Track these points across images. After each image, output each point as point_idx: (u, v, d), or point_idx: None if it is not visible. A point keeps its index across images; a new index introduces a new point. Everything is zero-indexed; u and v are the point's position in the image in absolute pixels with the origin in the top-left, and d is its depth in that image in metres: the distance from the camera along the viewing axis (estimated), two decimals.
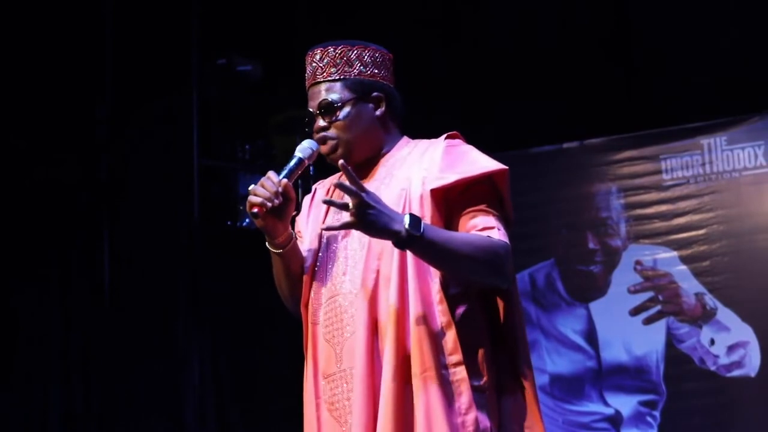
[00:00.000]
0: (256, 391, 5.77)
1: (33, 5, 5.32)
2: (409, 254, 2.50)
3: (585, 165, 5.82)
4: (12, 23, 5.29)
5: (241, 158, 5.87)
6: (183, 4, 5.65)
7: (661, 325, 5.57)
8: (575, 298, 5.76)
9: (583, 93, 5.74)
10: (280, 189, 2.56)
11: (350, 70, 2.65)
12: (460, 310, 2.53)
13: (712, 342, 5.46)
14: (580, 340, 5.70)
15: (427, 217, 2.51)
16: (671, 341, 5.54)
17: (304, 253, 2.69)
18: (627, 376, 5.58)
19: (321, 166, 2.92)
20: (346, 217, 2.41)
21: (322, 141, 2.65)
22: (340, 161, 2.46)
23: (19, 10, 5.28)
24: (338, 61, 2.65)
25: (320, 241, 2.68)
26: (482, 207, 2.54)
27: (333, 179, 2.78)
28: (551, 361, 5.68)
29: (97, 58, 5.55)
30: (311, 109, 2.67)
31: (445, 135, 2.68)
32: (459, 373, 2.47)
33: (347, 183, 2.40)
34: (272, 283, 2.74)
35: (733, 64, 5.45)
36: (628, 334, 5.61)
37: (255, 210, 2.54)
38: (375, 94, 2.66)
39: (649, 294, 5.62)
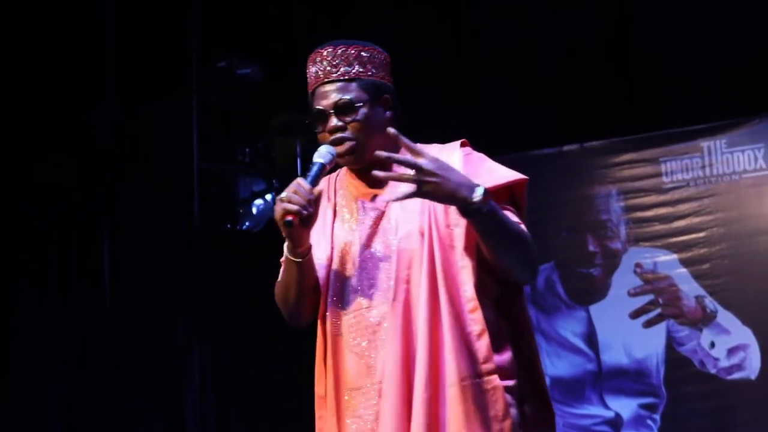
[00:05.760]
0: (256, 393, 5.78)
1: (34, 8, 5.33)
2: (438, 262, 2.48)
3: (585, 168, 5.81)
4: (13, 26, 5.30)
5: (242, 161, 5.88)
6: (183, 7, 5.66)
7: (661, 328, 5.56)
8: (575, 301, 5.75)
9: (582, 95, 5.74)
10: (312, 196, 2.49)
11: (363, 71, 2.57)
12: (490, 317, 2.51)
13: (713, 345, 5.46)
14: (580, 343, 5.70)
15: (453, 221, 2.49)
16: (671, 344, 5.53)
17: (317, 261, 2.61)
18: (627, 379, 5.57)
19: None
20: (404, 187, 2.38)
21: (339, 141, 2.57)
22: (391, 130, 2.41)
23: (20, 13, 5.30)
24: (352, 60, 2.57)
25: (332, 248, 2.62)
26: (503, 205, 2.50)
27: (333, 177, 2.72)
28: (551, 364, 5.68)
29: (97, 60, 5.56)
30: (322, 108, 2.57)
31: (459, 142, 2.62)
32: (493, 381, 2.46)
33: (400, 157, 2.38)
34: (272, 286, 2.67)
35: (733, 66, 5.46)
36: (628, 337, 5.60)
37: (290, 218, 2.46)
38: (385, 96, 2.60)
39: (649, 297, 5.61)
